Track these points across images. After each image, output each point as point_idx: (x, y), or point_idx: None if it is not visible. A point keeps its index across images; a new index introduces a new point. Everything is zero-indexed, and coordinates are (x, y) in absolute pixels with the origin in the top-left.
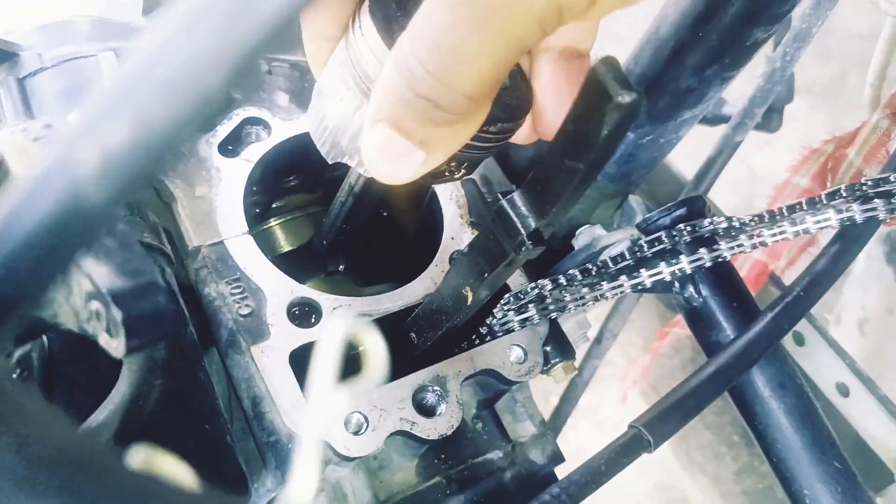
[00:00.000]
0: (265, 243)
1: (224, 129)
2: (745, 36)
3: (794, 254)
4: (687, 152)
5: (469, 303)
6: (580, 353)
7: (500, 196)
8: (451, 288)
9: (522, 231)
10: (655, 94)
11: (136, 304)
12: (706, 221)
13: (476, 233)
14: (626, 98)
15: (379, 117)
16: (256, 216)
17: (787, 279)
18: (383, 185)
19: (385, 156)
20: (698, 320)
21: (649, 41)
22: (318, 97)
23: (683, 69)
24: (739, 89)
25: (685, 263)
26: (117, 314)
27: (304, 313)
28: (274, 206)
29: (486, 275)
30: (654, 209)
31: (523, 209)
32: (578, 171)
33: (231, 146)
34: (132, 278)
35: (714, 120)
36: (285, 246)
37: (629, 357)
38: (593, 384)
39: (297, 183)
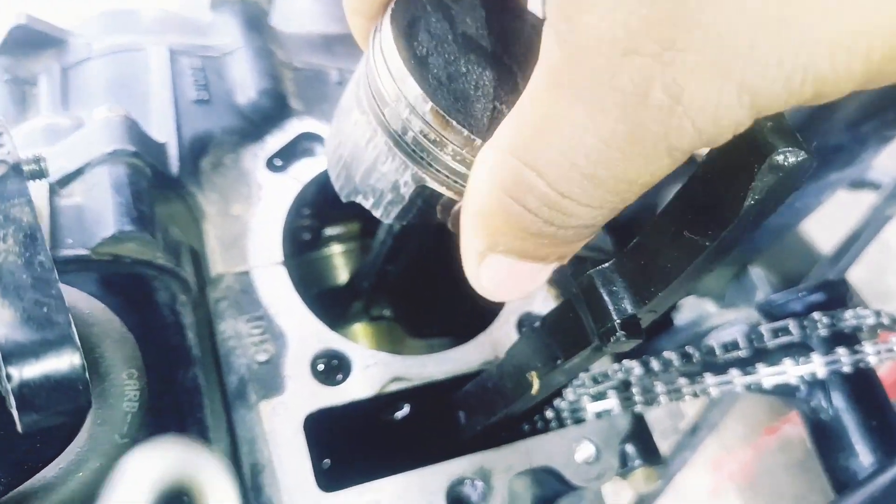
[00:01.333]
0: (306, 276)
1: (275, 142)
2: None
3: None
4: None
5: (534, 391)
6: (667, 444)
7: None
8: (513, 367)
9: (615, 316)
10: None
11: (34, 365)
12: (848, 313)
13: (556, 294)
14: (790, 157)
15: (495, 249)
16: (303, 244)
17: None
18: (431, 225)
19: (504, 286)
20: (825, 437)
21: None
22: (337, 118)
23: (833, 122)
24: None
25: (818, 365)
26: (12, 377)
27: (330, 368)
28: (327, 233)
29: (559, 361)
30: (779, 286)
31: (619, 287)
32: (703, 249)
33: (281, 161)
34: (38, 330)
35: (859, 184)
36: (328, 282)
37: (725, 445)
38: None
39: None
